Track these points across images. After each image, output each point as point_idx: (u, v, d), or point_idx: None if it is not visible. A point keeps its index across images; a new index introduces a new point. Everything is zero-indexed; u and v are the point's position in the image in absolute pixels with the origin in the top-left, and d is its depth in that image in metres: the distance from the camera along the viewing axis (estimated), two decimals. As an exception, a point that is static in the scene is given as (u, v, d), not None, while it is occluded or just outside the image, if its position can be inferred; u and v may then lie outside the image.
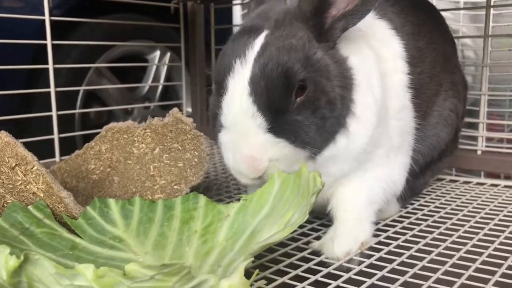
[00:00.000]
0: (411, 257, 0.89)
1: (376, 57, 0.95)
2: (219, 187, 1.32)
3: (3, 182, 0.87)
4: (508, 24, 1.79)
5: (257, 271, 0.69)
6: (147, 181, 1.08)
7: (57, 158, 1.49)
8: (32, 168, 0.84)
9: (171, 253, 0.84)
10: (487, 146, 1.50)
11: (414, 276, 0.81)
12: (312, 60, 0.83)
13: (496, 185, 1.36)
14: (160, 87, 2.37)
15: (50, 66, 1.46)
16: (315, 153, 0.85)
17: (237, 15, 2.28)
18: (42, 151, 1.49)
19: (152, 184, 1.07)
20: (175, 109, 1.10)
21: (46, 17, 1.45)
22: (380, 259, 0.88)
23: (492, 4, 1.45)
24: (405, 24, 1.05)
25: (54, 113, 1.48)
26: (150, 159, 1.10)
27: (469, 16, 1.80)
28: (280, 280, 0.80)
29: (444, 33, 1.22)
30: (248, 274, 0.67)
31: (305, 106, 0.82)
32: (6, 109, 1.44)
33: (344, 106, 0.85)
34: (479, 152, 1.49)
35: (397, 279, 0.79)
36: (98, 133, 1.19)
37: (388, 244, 0.95)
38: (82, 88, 1.94)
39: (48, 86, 1.46)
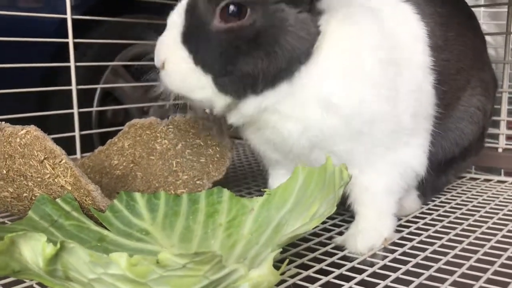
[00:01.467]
0: (435, 252, 0.89)
1: (382, 33, 0.91)
2: (239, 183, 1.33)
3: (31, 176, 0.88)
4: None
5: (287, 261, 0.69)
6: (170, 176, 1.09)
7: (78, 155, 1.51)
8: (60, 162, 0.86)
9: (197, 246, 0.85)
10: (507, 144, 1.49)
11: (439, 270, 0.81)
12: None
13: (517, 183, 1.35)
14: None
15: (72, 64, 1.48)
16: (221, 83, 0.83)
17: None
18: (63, 148, 1.51)
19: (175, 179, 1.08)
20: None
21: (68, 16, 1.47)
22: (404, 254, 0.89)
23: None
24: (433, 13, 1.03)
25: (75, 110, 1.49)
26: (173, 155, 1.11)
27: (489, 14, 1.79)
28: (304, 273, 0.80)
29: (475, 28, 1.19)
30: (274, 266, 0.67)
31: (233, 35, 0.81)
32: (21, 109, 1.45)
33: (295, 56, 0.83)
34: (500, 150, 1.48)
35: (422, 273, 0.79)
36: (116, 131, 1.21)
37: (411, 240, 0.95)
38: (100, 86, 1.97)
39: (64, 86, 1.48)
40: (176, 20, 0.86)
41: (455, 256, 0.87)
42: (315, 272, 0.81)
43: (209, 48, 0.82)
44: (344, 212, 1.09)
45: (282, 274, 0.76)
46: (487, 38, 1.83)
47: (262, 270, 0.63)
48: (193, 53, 0.83)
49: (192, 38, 0.84)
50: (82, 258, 0.58)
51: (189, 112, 1.13)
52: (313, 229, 0.99)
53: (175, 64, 0.84)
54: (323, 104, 0.85)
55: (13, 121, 0.96)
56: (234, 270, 0.62)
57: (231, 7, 0.80)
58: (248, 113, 0.88)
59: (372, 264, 0.84)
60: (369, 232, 0.93)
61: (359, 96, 0.86)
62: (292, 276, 0.78)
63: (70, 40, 1.47)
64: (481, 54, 1.18)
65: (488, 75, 1.17)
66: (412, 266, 0.83)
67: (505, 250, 0.88)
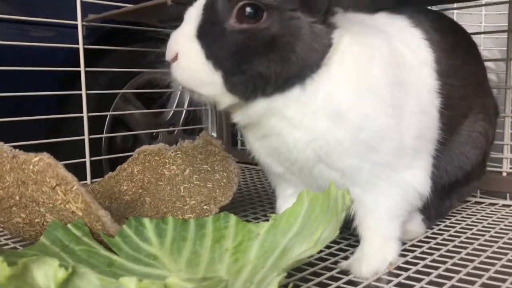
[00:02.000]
0: (439, 276, 0.90)
1: (392, 53, 0.95)
2: (246, 207, 1.35)
3: (44, 202, 0.91)
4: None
5: (291, 284, 0.71)
6: (178, 202, 1.11)
7: (88, 181, 1.54)
8: (72, 188, 0.88)
9: (204, 270, 0.86)
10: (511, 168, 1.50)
11: (443, 294, 0.82)
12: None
13: (522, 207, 1.36)
14: (183, 113, 2.43)
15: (83, 91, 1.53)
16: (231, 82, 0.85)
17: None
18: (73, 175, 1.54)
19: (183, 205, 1.10)
20: (205, 132, 1.15)
21: (80, 45, 1.52)
22: (408, 278, 0.89)
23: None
24: (441, 40, 1.06)
25: (86, 136, 1.53)
26: (181, 180, 1.14)
27: (491, 40, 1.83)
28: (311, 297, 0.81)
29: (477, 57, 1.23)
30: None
31: (247, 36, 0.83)
32: (33, 136, 1.49)
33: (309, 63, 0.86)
34: (504, 174, 1.49)
35: (426, 298, 0.80)
36: (125, 157, 1.23)
37: (415, 264, 0.96)
38: (110, 114, 2.01)
39: (75, 113, 1.52)
40: (193, 15, 0.87)
41: (460, 280, 0.87)
42: (320, 296, 0.82)
43: (222, 46, 0.84)
44: (349, 237, 1.10)
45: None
46: (489, 64, 1.87)
47: (267, 294, 0.65)
48: (205, 48, 0.84)
49: (207, 34, 0.85)
50: (92, 282, 0.60)
51: (197, 138, 1.16)
52: (318, 253, 1.01)
53: (187, 56, 0.85)
54: (332, 115, 0.88)
55: (26, 147, 1.00)
56: (240, 294, 0.63)
57: (248, 9, 0.83)
58: (255, 115, 0.90)
59: (377, 288, 0.85)
60: (374, 257, 0.94)
61: (367, 110, 0.88)
62: (297, 300, 0.79)
63: (82, 69, 1.52)
64: (483, 82, 1.21)
65: (490, 101, 1.20)
66: (417, 290, 0.84)
67: (510, 274, 0.89)
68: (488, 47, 1.76)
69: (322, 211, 0.84)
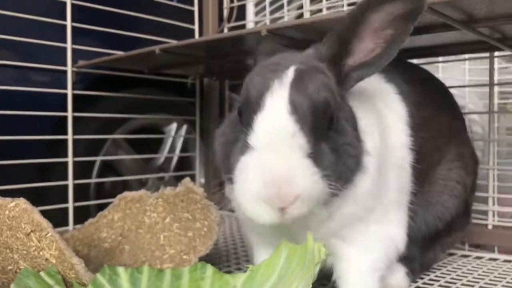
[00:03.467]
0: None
1: (378, 116, 0.98)
2: (228, 258, 1.33)
3: (17, 248, 0.90)
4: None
5: None
6: (157, 251, 1.10)
7: (70, 227, 1.52)
8: (46, 235, 0.87)
9: (178, 323, 0.84)
10: (499, 221, 1.50)
11: None
12: (337, 98, 0.85)
13: (509, 261, 1.34)
14: (175, 159, 2.43)
15: (70, 136, 1.53)
16: (338, 193, 0.80)
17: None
18: (58, 219, 1.53)
19: (162, 254, 1.09)
20: (187, 179, 1.14)
21: (69, 91, 1.54)
22: (387, 334, 0.87)
23: (495, 82, 1.51)
24: (411, 92, 1.08)
25: (70, 182, 1.53)
26: (161, 228, 1.13)
27: (476, 93, 1.86)
28: None
29: (451, 107, 1.25)
30: None
31: (332, 141, 0.81)
32: (24, 178, 1.49)
33: (359, 147, 0.87)
34: (490, 227, 1.48)
35: None
36: (110, 203, 1.22)
37: (396, 319, 0.93)
38: (99, 158, 2.00)
39: (66, 157, 1.53)
40: (290, 124, 0.78)
41: (440, 337, 0.85)
42: None
43: (335, 165, 0.81)
44: (325, 283, 1.08)
45: None
46: (474, 116, 1.89)
47: None
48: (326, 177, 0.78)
49: (322, 158, 0.79)
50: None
51: (179, 185, 1.15)
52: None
53: (312, 200, 0.77)
54: None
55: (13, 191, 0.99)
56: None
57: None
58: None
59: None
60: None
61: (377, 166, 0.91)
62: None
63: (69, 114, 1.53)
64: (458, 131, 1.22)
65: (467, 150, 1.21)
66: None
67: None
68: (473, 101, 1.80)
69: (299, 265, 0.83)
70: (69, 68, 1.55)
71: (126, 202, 1.19)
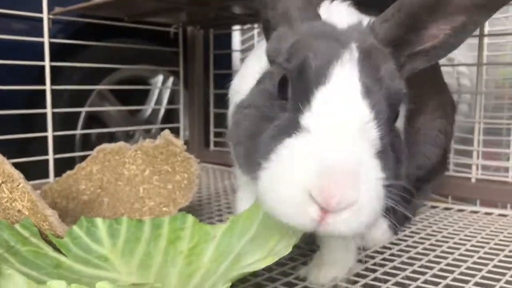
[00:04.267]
0: (397, 284, 0.88)
1: None
2: (211, 210, 1.32)
3: (-11, 200, 0.87)
4: (504, 53, 1.81)
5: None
6: (136, 203, 1.08)
7: (51, 179, 1.50)
8: (18, 186, 0.85)
9: (155, 273, 0.83)
10: (482, 174, 1.50)
11: (399, 302, 0.80)
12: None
13: (490, 214, 1.35)
14: (162, 112, 2.39)
15: (48, 87, 1.49)
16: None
17: (237, 40, 2.31)
18: (40, 172, 1.51)
19: (141, 206, 1.07)
20: (166, 131, 1.11)
21: (45, 39, 1.48)
22: (365, 285, 0.87)
23: (485, 33, 1.47)
24: None
25: (50, 133, 1.49)
26: (140, 181, 1.11)
27: (466, 45, 1.82)
28: (262, 304, 0.79)
29: None
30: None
31: (392, 143, 0.67)
32: (7, 130, 1.46)
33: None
34: (473, 180, 1.48)
35: (381, 306, 0.78)
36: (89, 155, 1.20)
37: (374, 271, 0.94)
38: (81, 110, 1.95)
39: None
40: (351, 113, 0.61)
41: (417, 288, 0.86)
42: (273, 303, 0.79)
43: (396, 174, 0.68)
44: (309, 240, 1.08)
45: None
46: (463, 68, 1.86)
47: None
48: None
49: (387, 162, 0.64)
50: (18, 285, 0.57)
51: (158, 138, 1.13)
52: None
53: (373, 208, 0.59)
54: None
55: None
56: (178, 302, 0.61)
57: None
58: None
59: (332, 295, 0.83)
60: (333, 265, 0.92)
61: None
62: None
63: (47, 63, 1.47)
64: (438, 79, 1.20)
65: (447, 98, 1.19)
66: (372, 298, 0.82)
67: (468, 282, 0.88)
68: (462, 52, 1.76)
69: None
70: (45, 16, 1.49)
71: (105, 154, 1.16)
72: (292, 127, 0.62)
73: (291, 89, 0.67)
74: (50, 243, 0.87)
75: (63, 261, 0.84)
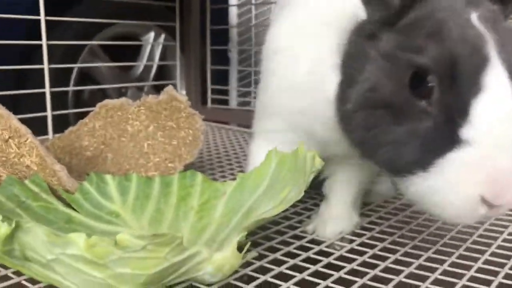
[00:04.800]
0: (402, 236, 0.90)
1: None
2: (213, 167, 1.33)
3: (-3, 155, 0.86)
4: None
5: (248, 243, 0.69)
6: (141, 159, 1.08)
7: (50, 135, 1.48)
8: (25, 141, 0.84)
9: (167, 228, 0.84)
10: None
11: (405, 254, 0.82)
12: None
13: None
14: (154, 69, 2.35)
15: (44, 42, 1.45)
16: None
17: (233, -5, 2.26)
18: (35, 129, 1.49)
19: (146, 162, 1.07)
20: (170, 87, 1.10)
21: (40, -7, 1.43)
22: (371, 238, 0.90)
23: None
24: None
25: (47, 90, 1.47)
26: (144, 137, 1.10)
27: None
28: (272, 256, 0.80)
29: None
30: (243, 249, 0.68)
31: None
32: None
33: None
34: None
35: (388, 257, 0.80)
36: (90, 111, 1.18)
37: (380, 224, 0.96)
38: (75, 66, 1.92)
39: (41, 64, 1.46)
40: None
41: (422, 240, 0.88)
42: (283, 255, 0.81)
43: None
44: (315, 196, 1.10)
45: (253, 257, 0.77)
46: None
47: (225, 253, 0.64)
48: None
49: None
50: (39, 238, 0.57)
51: (161, 93, 1.11)
52: (283, 212, 1.00)
53: None
54: None
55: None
56: (197, 252, 0.62)
57: None
58: None
59: (340, 248, 0.85)
60: (341, 219, 0.94)
61: None
62: (257, 259, 0.78)
63: (42, 17, 1.43)
64: None
65: None
66: (379, 250, 0.84)
67: (472, 233, 0.90)
68: None
69: (290, 171, 0.83)
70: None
71: (107, 110, 1.15)
72: (449, 140, 0.60)
73: (437, 93, 0.60)
74: (59, 198, 0.88)
75: (74, 216, 0.85)
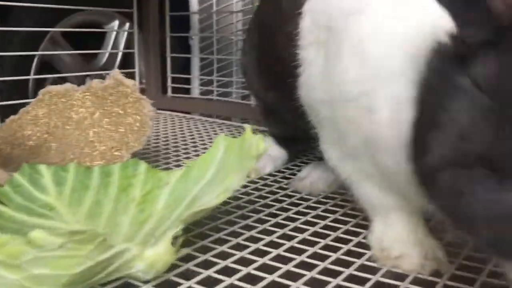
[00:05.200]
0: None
1: None
2: (168, 155, 1.26)
3: None
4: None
5: (182, 238, 0.64)
6: (86, 147, 1.01)
7: (-2, 125, 1.40)
8: None
9: (105, 222, 0.78)
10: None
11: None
12: None
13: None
14: (118, 59, 2.27)
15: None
16: None
17: (194, -21, 2.18)
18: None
19: (92, 151, 1.01)
20: (116, 71, 1.03)
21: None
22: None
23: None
24: None
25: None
26: (90, 124, 1.03)
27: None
28: (219, 249, 0.75)
29: None
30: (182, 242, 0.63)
31: None
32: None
33: None
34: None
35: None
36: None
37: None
38: (34, 54, 1.81)
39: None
40: None
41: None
42: (231, 248, 0.76)
43: None
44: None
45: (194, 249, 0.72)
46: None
47: (157, 249, 0.59)
48: None
49: None
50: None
51: (107, 78, 1.05)
52: (236, 201, 0.95)
53: None
54: None
55: None
56: (125, 249, 0.56)
57: None
58: None
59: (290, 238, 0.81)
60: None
61: None
62: (204, 254, 0.73)
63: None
64: None
65: None
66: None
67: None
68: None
69: (236, 157, 0.78)
70: None
71: (51, 97, 1.08)
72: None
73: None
74: (-12, 193, 0.81)
75: (3, 211, 0.78)
